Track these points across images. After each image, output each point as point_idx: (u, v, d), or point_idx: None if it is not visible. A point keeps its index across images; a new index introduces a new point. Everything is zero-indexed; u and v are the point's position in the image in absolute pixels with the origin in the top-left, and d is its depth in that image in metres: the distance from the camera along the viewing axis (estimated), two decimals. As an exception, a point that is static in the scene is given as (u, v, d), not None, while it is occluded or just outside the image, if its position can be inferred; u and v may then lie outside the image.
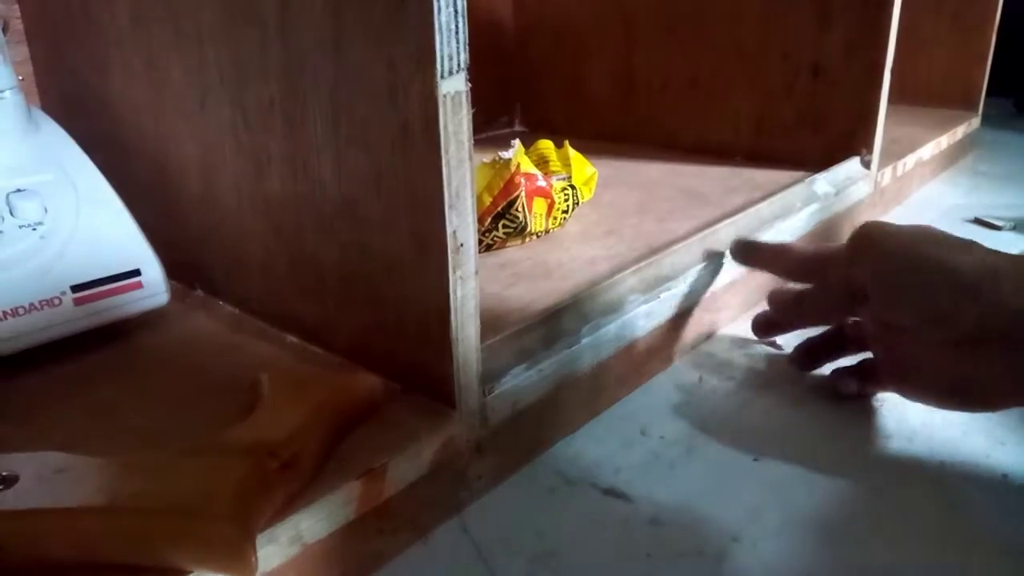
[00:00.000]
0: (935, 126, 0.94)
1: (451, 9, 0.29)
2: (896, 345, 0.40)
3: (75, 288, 0.40)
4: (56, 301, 0.40)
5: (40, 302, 0.39)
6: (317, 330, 0.42)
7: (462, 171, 0.31)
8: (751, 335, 0.52)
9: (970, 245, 0.38)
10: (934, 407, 0.41)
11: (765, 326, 0.51)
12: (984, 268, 0.36)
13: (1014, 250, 0.63)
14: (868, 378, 0.44)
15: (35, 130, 0.45)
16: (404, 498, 0.33)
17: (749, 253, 0.50)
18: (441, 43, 0.29)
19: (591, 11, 0.87)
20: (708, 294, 0.51)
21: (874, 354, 0.44)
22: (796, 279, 0.48)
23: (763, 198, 0.61)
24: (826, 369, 0.48)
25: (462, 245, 0.32)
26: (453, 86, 0.30)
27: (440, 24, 0.29)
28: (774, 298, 0.48)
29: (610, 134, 0.88)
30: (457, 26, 0.30)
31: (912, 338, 0.38)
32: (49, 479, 0.28)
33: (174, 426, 0.35)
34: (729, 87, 0.78)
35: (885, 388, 0.44)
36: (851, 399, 0.45)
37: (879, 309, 0.40)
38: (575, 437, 0.42)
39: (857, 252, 0.41)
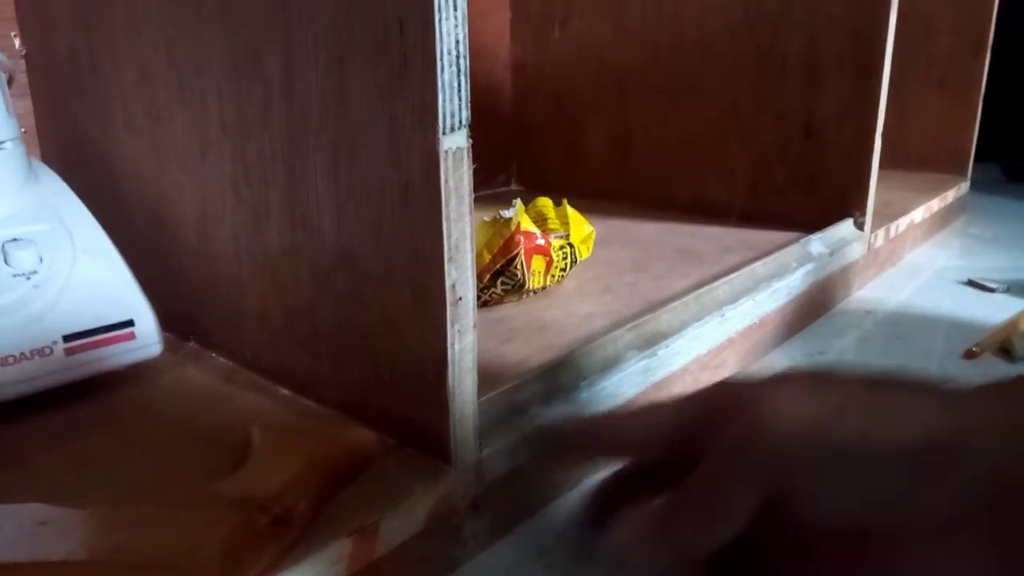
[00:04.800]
0: (926, 190, 0.95)
1: (454, 68, 0.30)
2: (827, 552, 0.27)
3: (67, 338, 0.40)
4: (47, 350, 0.39)
5: (31, 351, 0.39)
6: (311, 383, 0.41)
7: (462, 225, 0.31)
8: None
9: (893, 403, 0.27)
10: None
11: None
12: (944, 432, 0.26)
13: (1008, 312, 0.64)
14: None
15: (34, 181, 0.45)
16: (396, 557, 0.32)
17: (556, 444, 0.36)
18: (444, 100, 0.30)
19: (588, 73, 0.89)
20: (706, 351, 0.51)
21: (781, 560, 0.29)
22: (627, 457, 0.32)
23: (758, 258, 0.61)
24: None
25: (460, 298, 0.32)
26: (455, 142, 0.30)
27: (443, 82, 0.30)
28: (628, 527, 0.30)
29: (606, 193, 0.89)
30: (459, 84, 0.30)
31: (852, 539, 0.27)
32: (31, 531, 0.27)
33: (161, 479, 0.34)
34: (723, 148, 0.79)
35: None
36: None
37: (799, 515, 0.27)
38: (573, 495, 0.41)
39: (746, 456, 0.28)
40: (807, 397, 0.28)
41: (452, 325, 0.32)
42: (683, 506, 0.29)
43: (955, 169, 1.06)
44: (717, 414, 0.29)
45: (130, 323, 0.42)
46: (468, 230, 0.32)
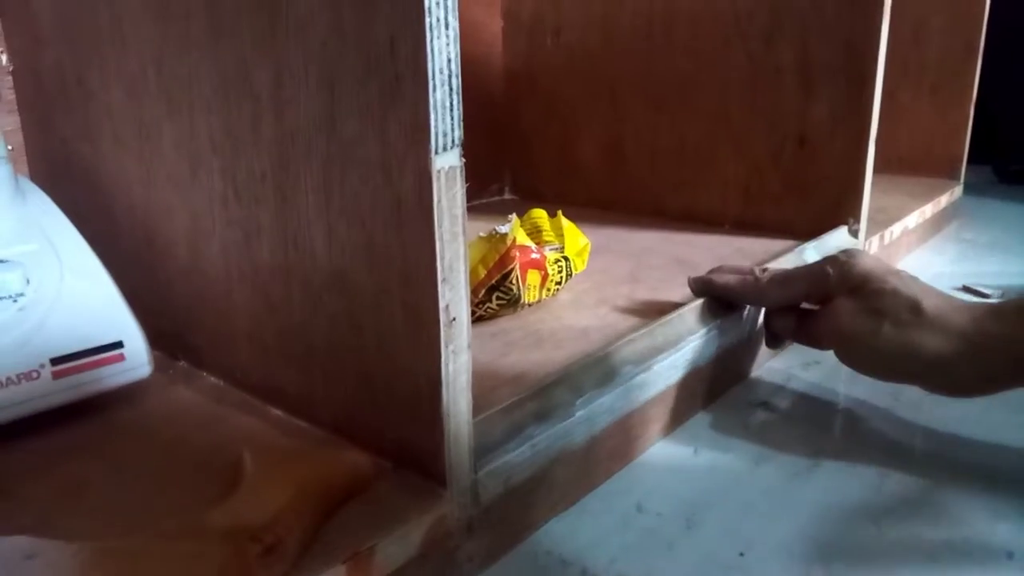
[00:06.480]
0: (919, 195, 0.95)
1: (446, 87, 0.29)
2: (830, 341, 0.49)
3: (54, 361, 0.39)
4: (34, 374, 0.38)
5: (17, 375, 0.38)
6: (303, 403, 0.41)
7: (455, 245, 0.31)
8: (745, 406, 0.51)
9: (920, 318, 0.46)
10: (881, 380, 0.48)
11: (705, 289, 0.54)
12: (949, 348, 0.45)
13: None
14: (808, 335, 0.51)
15: (21, 199, 0.44)
16: (392, 583, 0.32)
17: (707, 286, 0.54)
18: (436, 120, 0.29)
19: (580, 83, 0.89)
20: (703, 364, 0.50)
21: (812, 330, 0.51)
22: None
23: (754, 267, 0.61)
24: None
25: (454, 319, 0.32)
26: (447, 161, 0.30)
27: (435, 101, 0.29)
28: (777, 276, 0.53)
29: (600, 202, 0.89)
30: (452, 103, 0.30)
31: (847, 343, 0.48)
32: (18, 566, 0.27)
33: (152, 506, 0.34)
34: (716, 156, 0.79)
35: (822, 347, 0.51)
36: (780, 345, 0.54)
37: (831, 315, 0.49)
38: (569, 514, 0.41)
39: (817, 271, 0.50)
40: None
41: (446, 346, 0.32)
42: (772, 278, 0.52)
43: (948, 173, 1.06)
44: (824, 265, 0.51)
45: (119, 344, 0.41)
46: (461, 250, 0.31)
